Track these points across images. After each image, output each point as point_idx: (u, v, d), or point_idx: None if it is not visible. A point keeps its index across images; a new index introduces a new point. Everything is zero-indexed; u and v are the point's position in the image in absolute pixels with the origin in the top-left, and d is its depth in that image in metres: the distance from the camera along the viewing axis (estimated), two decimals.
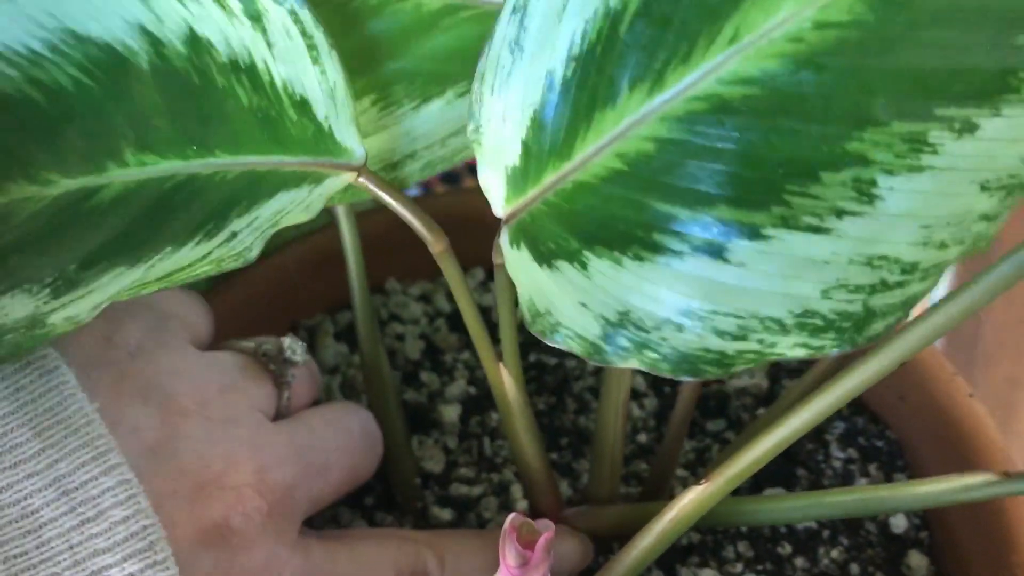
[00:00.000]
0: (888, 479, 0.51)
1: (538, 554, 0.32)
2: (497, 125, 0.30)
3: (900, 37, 0.26)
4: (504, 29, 0.29)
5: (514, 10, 0.29)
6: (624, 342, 0.28)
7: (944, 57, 0.26)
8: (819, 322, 0.27)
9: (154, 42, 0.31)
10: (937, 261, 0.27)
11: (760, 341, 0.27)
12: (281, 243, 0.55)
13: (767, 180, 0.27)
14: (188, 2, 0.31)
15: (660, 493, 0.51)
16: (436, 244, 0.33)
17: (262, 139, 0.32)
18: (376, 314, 0.57)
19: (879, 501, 0.38)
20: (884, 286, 0.27)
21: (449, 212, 0.57)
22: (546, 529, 0.33)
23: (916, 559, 0.48)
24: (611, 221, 0.29)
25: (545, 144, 0.30)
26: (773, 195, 0.27)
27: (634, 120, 0.28)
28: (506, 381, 0.41)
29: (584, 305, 0.29)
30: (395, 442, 0.49)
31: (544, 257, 0.30)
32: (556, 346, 0.30)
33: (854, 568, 0.48)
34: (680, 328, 0.28)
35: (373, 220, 0.48)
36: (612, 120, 0.29)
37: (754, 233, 0.27)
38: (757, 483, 0.51)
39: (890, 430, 0.52)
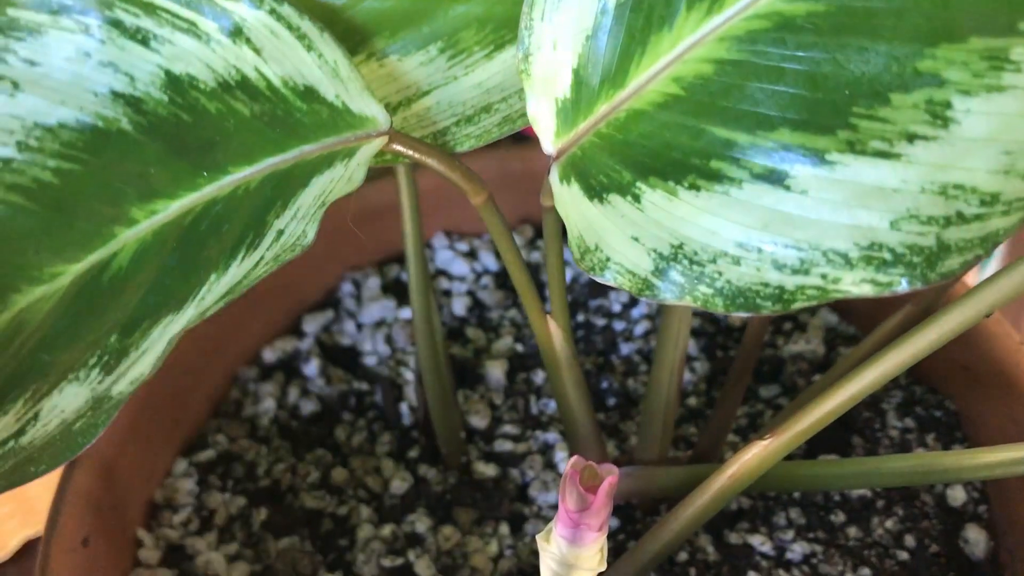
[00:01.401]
0: (946, 450, 0.49)
1: (600, 498, 0.31)
2: (548, 53, 0.29)
3: None
4: None
5: None
6: (677, 277, 0.27)
7: None
8: (887, 255, 0.25)
9: (131, 102, 0.30)
10: (1021, 193, 0.25)
11: (823, 276, 0.26)
12: None
13: (832, 103, 0.25)
14: (158, 46, 0.30)
15: (710, 457, 0.50)
16: (476, 196, 0.32)
17: (276, 139, 0.31)
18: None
19: (938, 470, 0.36)
20: (960, 218, 0.25)
21: (501, 169, 0.56)
22: (609, 473, 0.32)
23: (974, 533, 0.46)
24: (666, 150, 0.27)
25: (598, 72, 0.28)
26: (839, 118, 0.25)
27: (692, 41, 0.27)
28: (554, 335, 0.40)
29: (636, 239, 0.28)
30: (442, 396, 0.48)
31: (595, 191, 0.29)
32: (605, 283, 0.28)
33: (909, 540, 0.46)
34: (737, 261, 0.26)
35: (424, 173, 0.47)
36: (669, 43, 0.27)
37: (818, 159, 0.25)
38: (811, 450, 0.49)
39: (950, 400, 0.50)
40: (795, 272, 0.26)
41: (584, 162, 0.29)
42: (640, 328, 0.55)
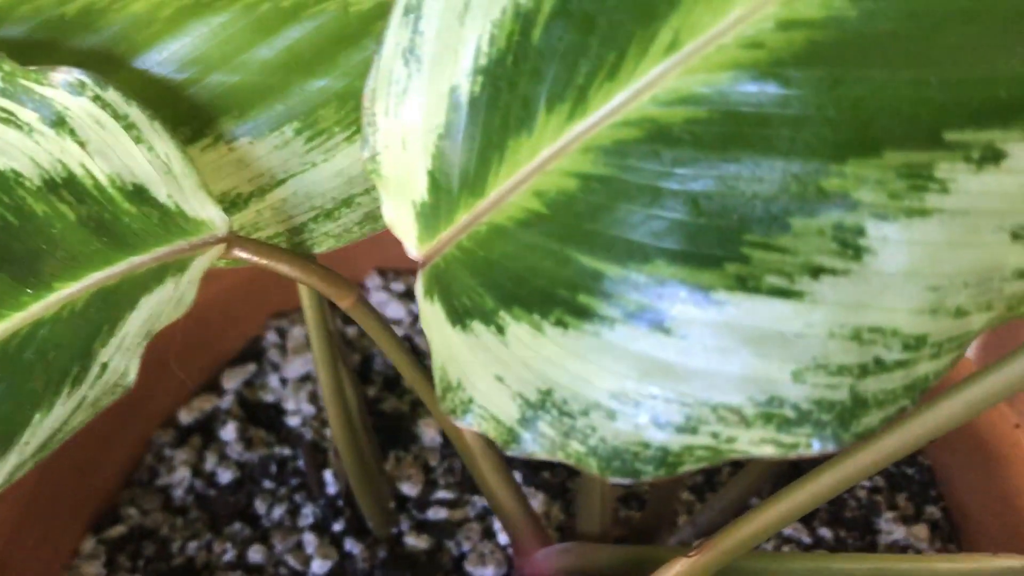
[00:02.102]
0: (918, 512, 0.44)
1: None
2: (397, 153, 0.24)
3: (894, 36, 0.19)
4: (396, 34, 0.23)
5: (407, 10, 0.23)
6: (546, 428, 0.23)
7: (957, 62, 0.20)
8: (790, 413, 0.21)
9: None
10: (954, 333, 0.21)
11: (714, 435, 0.21)
12: None
13: (718, 229, 0.20)
14: None
15: (660, 522, 0.46)
16: (342, 300, 0.28)
17: (103, 249, 0.26)
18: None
19: (893, 573, 0.32)
20: (879, 366, 0.21)
21: None
22: None
23: None
24: (531, 276, 0.23)
25: (455, 176, 0.24)
26: (727, 249, 0.21)
27: (554, 150, 0.22)
28: (463, 428, 0.35)
29: (501, 379, 0.23)
30: (363, 467, 0.44)
31: (458, 315, 0.24)
32: (465, 427, 0.24)
33: None
34: (612, 415, 0.22)
35: None
36: (529, 150, 0.22)
37: (702, 297, 0.21)
38: None
39: (923, 456, 0.46)
40: (680, 431, 0.21)
41: (447, 278, 0.25)
42: None
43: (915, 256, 0.20)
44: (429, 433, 0.49)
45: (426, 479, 0.48)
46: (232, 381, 0.50)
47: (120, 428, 0.48)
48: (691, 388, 0.21)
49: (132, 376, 0.26)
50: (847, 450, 0.27)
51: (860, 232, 0.20)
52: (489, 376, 0.23)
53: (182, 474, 0.47)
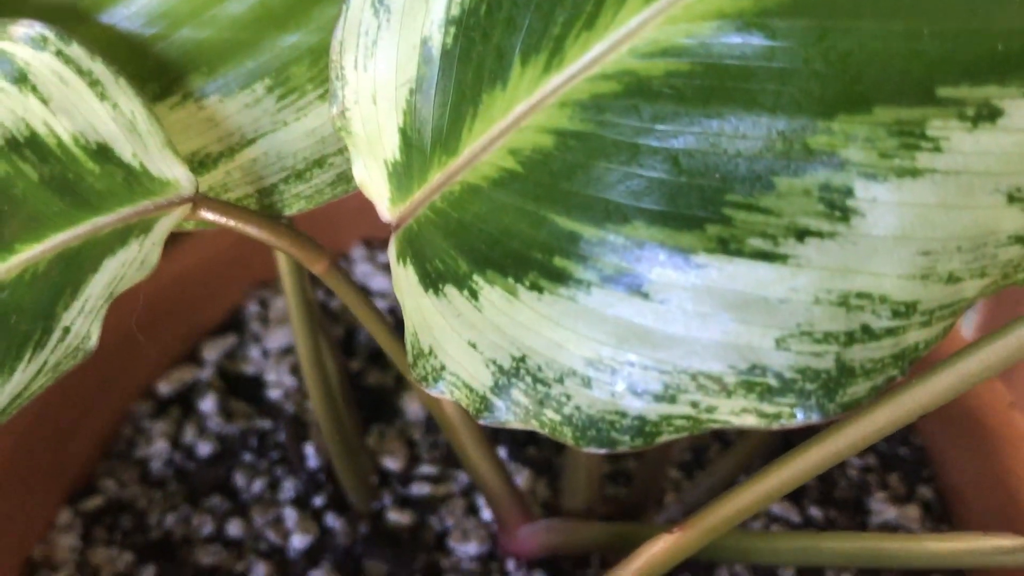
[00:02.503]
0: (910, 492, 0.44)
1: None
2: (367, 108, 0.23)
3: None
4: None
5: None
6: (520, 396, 0.22)
7: (951, 13, 0.19)
8: (773, 381, 0.20)
9: None
10: (946, 300, 0.20)
11: (693, 404, 0.20)
12: None
13: (700, 189, 0.19)
14: None
15: (647, 499, 0.45)
16: (315, 264, 0.27)
17: (65, 210, 0.25)
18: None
19: (887, 555, 0.31)
20: (867, 334, 0.20)
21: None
22: None
23: None
24: (505, 238, 0.22)
25: (428, 133, 0.23)
26: (708, 209, 0.20)
27: (529, 105, 0.21)
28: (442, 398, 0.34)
29: (474, 346, 0.22)
30: (344, 441, 0.43)
31: (431, 280, 0.23)
32: (438, 395, 0.23)
33: None
34: (588, 383, 0.21)
35: None
36: (503, 105, 0.21)
37: (682, 260, 0.20)
38: None
39: (916, 435, 0.45)
40: (658, 399, 0.20)
41: (420, 241, 0.24)
42: None
43: (905, 219, 0.19)
44: (413, 407, 0.48)
45: (410, 454, 0.47)
46: (212, 352, 0.49)
47: (97, 399, 0.47)
48: (670, 355, 0.20)
49: (94, 340, 0.25)
50: (836, 424, 0.26)
51: (848, 193, 0.19)
52: (462, 342, 0.22)
53: (160, 446, 0.47)
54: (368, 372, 0.49)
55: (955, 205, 0.19)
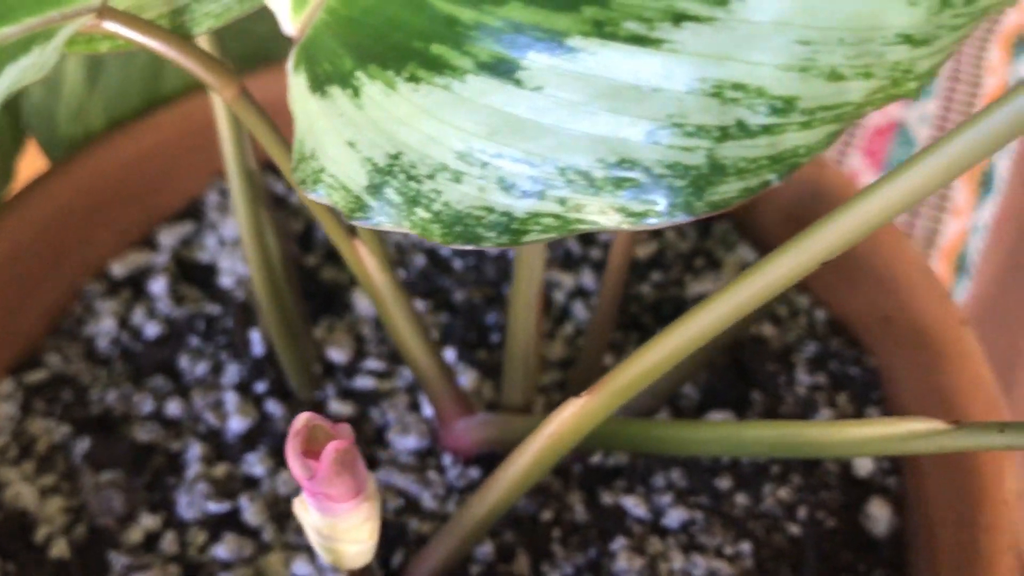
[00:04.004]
0: (859, 413, 0.43)
1: (325, 466, 0.26)
2: None
3: None
4: None
5: None
6: (394, 195, 0.21)
7: None
8: (641, 176, 0.19)
9: None
10: (828, 100, 0.19)
11: (561, 201, 0.19)
12: (154, 110, 0.48)
13: None
14: None
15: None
16: (225, 89, 0.26)
17: None
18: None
19: (807, 442, 0.30)
20: (742, 130, 0.19)
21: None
22: (341, 436, 0.26)
23: (878, 508, 0.40)
24: (389, 30, 0.21)
25: None
26: None
27: None
28: (367, 261, 0.34)
29: (352, 145, 0.21)
30: (286, 327, 0.43)
31: (319, 82, 0.22)
32: (316, 200, 0.22)
33: (803, 512, 0.40)
34: (458, 177, 0.20)
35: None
36: None
37: (556, 45, 0.19)
38: (704, 404, 0.44)
39: (869, 356, 0.44)
40: (526, 195, 0.20)
41: (313, 46, 0.23)
42: None
43: (785, 4, 0.18)
44: (364, 304, 0.47)
45: (357, 348, 0.46)
46: (169, 238, 0.49)
47: (49, 276, 0.46)
48: (540, 147, 0.19)
49: None
50: (738, 277, 0.25)
51: None
52: (341, 142, 0.22)
53: (108, 325, 0.46)
54: (323, 268, 0.49)
55: None
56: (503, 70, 0.19)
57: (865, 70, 0.19)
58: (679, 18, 0.18)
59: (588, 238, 0.49)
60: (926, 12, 0.18)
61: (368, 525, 0.29)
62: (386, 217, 0.21)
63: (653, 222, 0.19)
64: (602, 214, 0.19)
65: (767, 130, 0.19)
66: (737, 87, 0.18)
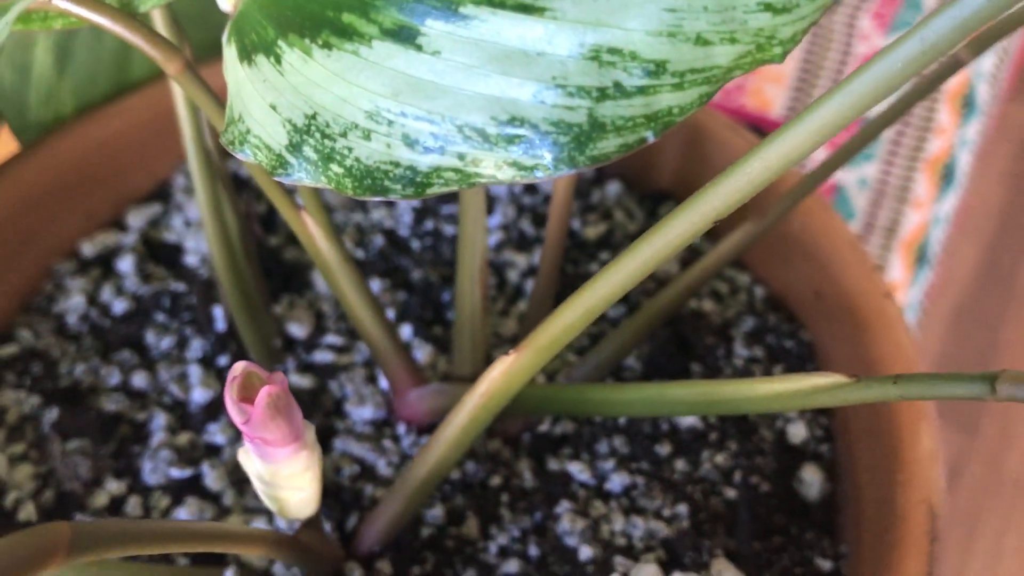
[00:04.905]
0: None
1: (259, 410, 0.28)
2: None
3: None
4: None
5: None
6: (311, 153, 0.23)
7: None
8: (529, 133, 0.21)
9: None
10: (697, 64, 0.21)
11: (460, 156, 0.21)
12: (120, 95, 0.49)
13: None
14: None
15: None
16: (169, 63, 0.28)
17: None
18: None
19: (723, 400, 0.32)
20: (619, 90, 0.21)
21: None
22: (274, 382, 0.28)
23: (811, 473, 0.42)
24: (306, 2, 0.23)
25: None
26: None
27: None
28: (315, 234, 0.36)
29: (274, 107, 0.23)
30: (246, 302, 0.45)
31: (246, 52, 0.24)
32: (243, 159, 0.24)
33: (737, 476, 0.42)
34: (367, 135, 0.22)
35: None
36: None
37: (451, 12, 0.21)
38: (645, 375, 0.46)
39: (805, 330, 0.46)
40: (428, 151, 0.22)
41: (243, 19, 0.25)
42: (493, 239, 0.51)
43: None
44: (324, 282, 0.49)
45: (316, 324, 0.48)
46: (137, 219, 0.51)
47: (20, 254, 0.48)
48: (439, 106, 0.21)
49: None
50: (638, 240, 0.27)
51: None
52: (265, 106, 0.24)
53: (78, 301, 0.48)
54: (286, 248, 0.51)
55: None
56: (405, 36, 0.21)
57: (730, 36, 0.21)
58: None
59: (540, 221, 0.51)
60: None
61: (308, 473, 0.31)
62: (305, 174, 0.23)
63: (540, 175, 0.21)
64: (497, 168, 0.21)
65: (642, 91, 0.21)
66: (613, 51, 0.20)
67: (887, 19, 0.82)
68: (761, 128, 0.77)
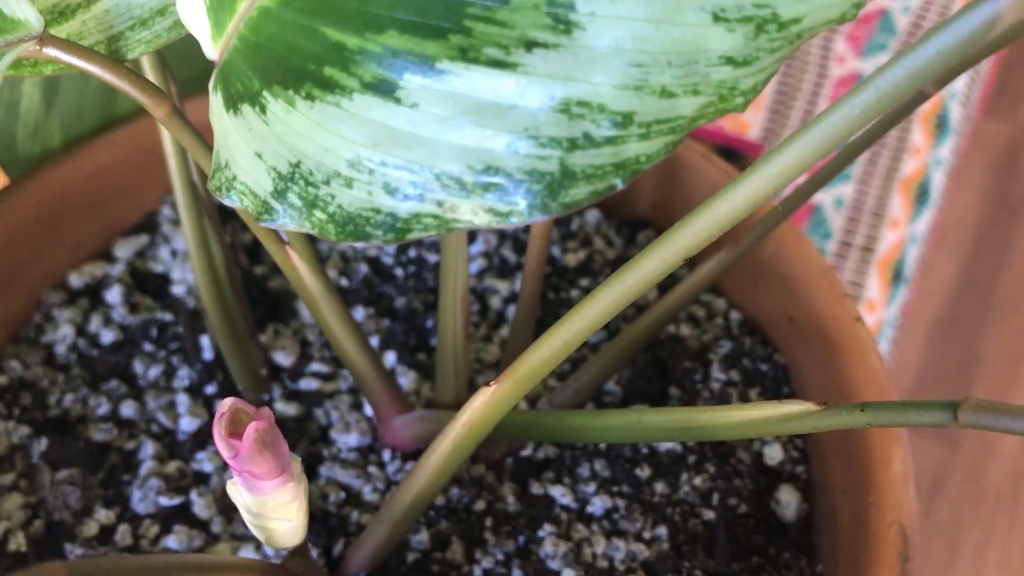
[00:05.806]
0: None
1: (247, 445, 0.29)
2: None
3: None
4: None
5: None
6: (295, 199, 0.24)
7: None
8: (504, 181, 0.22)
9: None
10: (663, 115, 0.22)
11: (439, 203, 0.22)
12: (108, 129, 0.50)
13: (444, 2, 0.22)
14: None
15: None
16: (157, 109, 0.29)
17: None
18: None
19: (697, 427, 0.33)
20: (588, 141, 0.22)
21: None
22: (260, 417, 0.29)
23: (787, 494, 0.44)
24: (289, 54, 0.24)
25: None
26: (452, 20, 0.22)
27: None
28: (299, 268, 0.37)
29: (259, 155, 0.24)
30: (233, 332, 0.45)
31: (232, 101, 0.25)
32: (230, 205, 0.25)
33: (715, 498, 0.43)
34: (349, 183, 0.23)
35: None
36: None
37: (428, 67, 0.22)
38: (625, 399, 0.47)
39: (780, 353, 0.47)
40: (408, 198, 0.23)
41: (228, 68, 0.26)
42: (475, 266, 0.52)
43: (619, 32, 0.21)
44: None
45: (302, 352, 0.49)
46: (125, 250, 0.52)
47: (8, 285, 0.49)
48: (418, 156, 0.22)
49: None
50: (628, 264, 0.27)
51: (571, 7, 0.21)
52: (251, 153, 0.25)
53: (66, 331, 0.49)
54: (271, 278, 0.52)
55: (664, 20, 0.21)
56: (384, 89, 0.22)
57: (693, 88, 0.22)
58: (530, 45, 0.22)
59: (521, 248, 0.52)
60: (743, 38, 0.21)
61: (295, 504, 0.31)
62: (290, 219, 0.24)
63: (515, 221, 0.22)
64: (474, 214, 0.22)
65: (610, 141, 0.22)
66: (582, 104, 0.22)
67: (861, 42, 0.83)
68: (739, 150, 0.78)
